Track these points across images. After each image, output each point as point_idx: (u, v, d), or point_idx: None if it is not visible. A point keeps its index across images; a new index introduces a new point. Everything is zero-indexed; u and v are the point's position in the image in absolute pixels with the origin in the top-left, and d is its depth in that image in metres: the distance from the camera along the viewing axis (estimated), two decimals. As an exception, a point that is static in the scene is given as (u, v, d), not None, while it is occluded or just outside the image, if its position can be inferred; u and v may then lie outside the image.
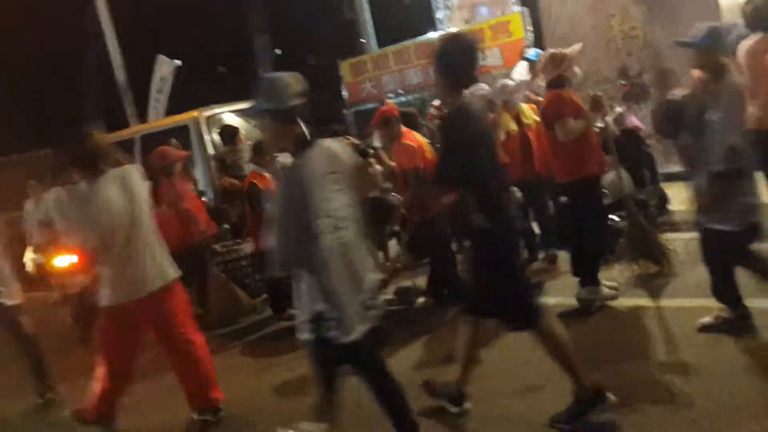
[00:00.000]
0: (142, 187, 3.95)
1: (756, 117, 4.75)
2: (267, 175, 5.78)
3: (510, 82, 6.22)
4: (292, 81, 3.00)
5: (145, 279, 3.83)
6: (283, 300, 5.81)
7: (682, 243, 5.19)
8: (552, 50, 4.86)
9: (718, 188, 3.68)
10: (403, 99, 11.25)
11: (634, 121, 6.58)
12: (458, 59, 3.30)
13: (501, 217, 3.30)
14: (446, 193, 3.50)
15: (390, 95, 11.13)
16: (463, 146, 3.24)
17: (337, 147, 3.14)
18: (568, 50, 4.93)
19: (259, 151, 5.90)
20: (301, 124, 2.97)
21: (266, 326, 5.90)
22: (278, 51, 19.00)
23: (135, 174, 3.97)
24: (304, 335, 2.98)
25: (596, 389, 3.27)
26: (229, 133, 7.95)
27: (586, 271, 4.78)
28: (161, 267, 3.93)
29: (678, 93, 4.10)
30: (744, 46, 4.83)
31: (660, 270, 5.05)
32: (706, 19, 6.07)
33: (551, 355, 3.32)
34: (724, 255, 3.81)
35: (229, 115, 8.47)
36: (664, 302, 4.57)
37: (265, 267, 5.75)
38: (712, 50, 3.78)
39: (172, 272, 4.00)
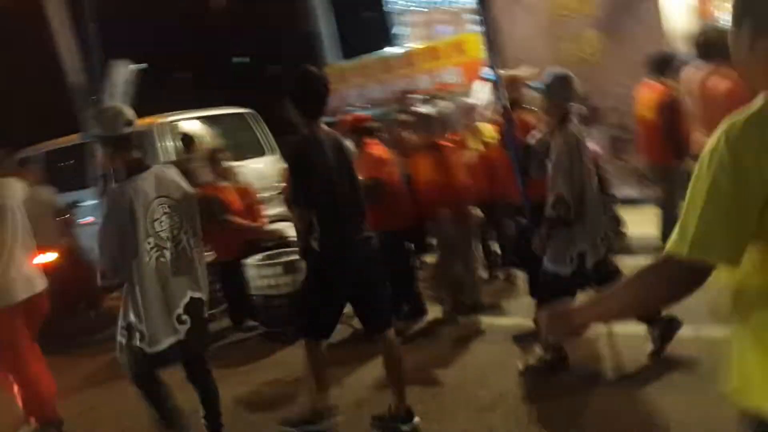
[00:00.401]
0: (17, 198, 4.13)
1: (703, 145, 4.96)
2: (223, 184, 5.84)
3: (471, 102, 6.40)
4: (124, 110, 3.38)
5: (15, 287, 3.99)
6: (243, 311, 5.87)
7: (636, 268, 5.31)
8: (503, 72, 5.04)
9: (547, 232, 3.91)
10: (366, 113, 11.41)
11: (591, 145, 6.81)
12: (307, 93, 3.53)
13: (332, 243, 3.48)
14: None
15: (349, 108, 11.28)
16: (304, 173, 3.46)
17: (171, 174, 3.51)
18: (519, 72, 5.15)
19: (212, 160, 5.92)
20: (134, 151, 3.36)
21: (224, 337, 5.90)
22: (240, 59, 19.00)
23: (11, 185, 4.16)
24: (117, 339, 3.37)
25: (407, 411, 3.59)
26: (185, 141, 7.89)
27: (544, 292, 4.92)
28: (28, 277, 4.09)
29: (536, 135, 4.30)
30: (694, 76, 4.98)
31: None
32: (654, 45, 6.49)
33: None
34: (553, 296, 3.77)
35: (190, 122, 8.43)
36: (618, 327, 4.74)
37: (224, 278, 5.84)
38: (557, 97, 3.97)
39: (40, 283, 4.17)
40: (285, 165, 6.89)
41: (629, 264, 5.44)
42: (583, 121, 7.48)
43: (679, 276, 1.45)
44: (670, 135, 5.58)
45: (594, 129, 7.47)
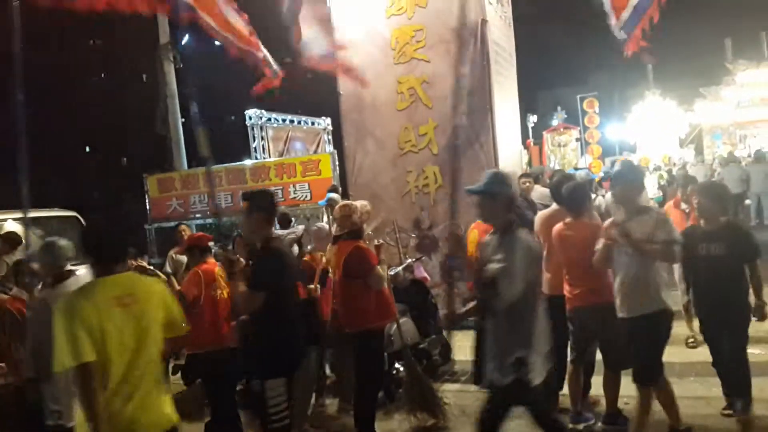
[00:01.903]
0: None
1: (547, 282, 5.27)
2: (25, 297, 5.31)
3: (323, 227, 6.43)
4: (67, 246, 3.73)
5: None
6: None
7: (460, 394, 5.49)
8: (344, 202, 5.16)
9: None
10: (210, 221, 11.18)
11: (421, 271, 7.07)
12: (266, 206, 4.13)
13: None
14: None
15: (197, 215, 11.03)
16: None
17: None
18: (357, 203, 5.30)
19: (20, 272, 5.38)
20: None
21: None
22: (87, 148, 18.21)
23: None
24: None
25: None
26: (8, 240, 7.26)
27: (365, 422, 4.87)
28: None
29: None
30: (542, 217, 5.49)
31: (435, 423, 5.25)
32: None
33: None
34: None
35: (11, 223, 7.78)
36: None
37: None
38: (497, 194, 3.82)
39: None
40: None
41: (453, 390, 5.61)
42: (424, 249, 7.88)
43: None
44: None
45: (432, 256, 7.82)
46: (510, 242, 3.65)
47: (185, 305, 4.88)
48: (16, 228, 7.74)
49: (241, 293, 3.99)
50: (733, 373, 4.59)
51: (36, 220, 8.03)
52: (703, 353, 5.79)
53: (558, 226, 5.03)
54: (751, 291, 4.58)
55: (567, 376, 5.06)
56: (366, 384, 4.96)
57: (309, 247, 6.44)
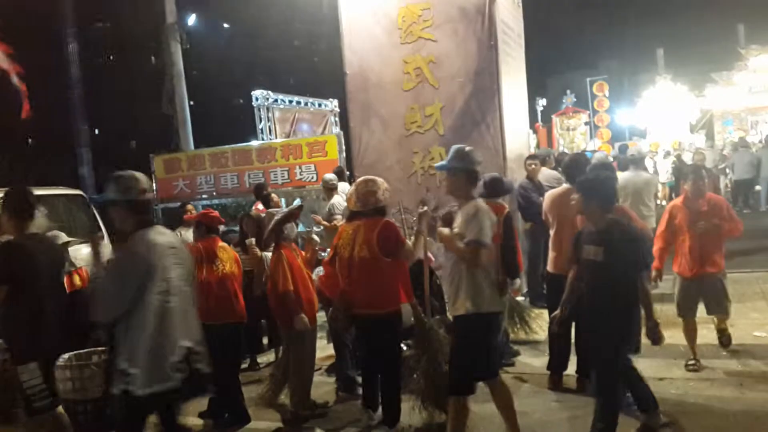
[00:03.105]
0: None
1: (553, 261, 5.34)
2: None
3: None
4: (142, 178, 3.64)
5: None
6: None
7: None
8: (367, 177, 5.07)
9: None
10: (216, 202, 11.19)
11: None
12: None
13: None
14: None
15: (204, 196, 11.04)
16: None
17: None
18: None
19: None
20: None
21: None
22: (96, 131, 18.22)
23: None
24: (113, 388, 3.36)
25: None
26: None
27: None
28: None
29: None
30: (552, 195, 5.52)
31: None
32: (493, 167, 6.92)
33: None
34: None
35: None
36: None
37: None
38: (459, 170, 4.15)
39: None
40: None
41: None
42: (430, 231, 7.85)
43: None
44: (507, 251, 5.90)
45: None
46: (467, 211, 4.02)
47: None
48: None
49: None
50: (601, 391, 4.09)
51: (41, 198, 8.03)
52: (708, 336, 5.79)
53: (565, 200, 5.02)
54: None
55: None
56: (396, 366, 4.82)
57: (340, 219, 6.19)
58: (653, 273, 5.47)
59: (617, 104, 30.33)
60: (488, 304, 4.05)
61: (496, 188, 6.04)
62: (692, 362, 5.44)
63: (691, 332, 5.52)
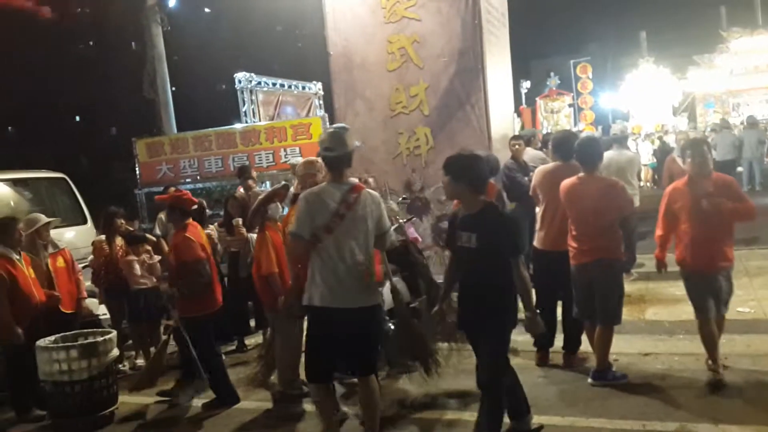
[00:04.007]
0: None
1: (541, 238, 5.35)
2: (15, 257, 5.26)
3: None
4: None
5: None
6: (30, 399, 5.23)
7: (453, 353, 5.50)
8: (308, 159, 5.09)
9: None
10: (200, 185, 11.10)
11: (413, 233, 7.05)
12: None
13: None
14: None
15: (188, 180, 10.94)
16: None
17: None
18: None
19: (4, 230, 5.31)
20: None
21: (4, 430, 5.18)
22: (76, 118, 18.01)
23: None
24: None
25: None
26: None
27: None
28: None
29: None
30: (543, 171, 5.50)
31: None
32: (478, 147, 6.91)
33: None
34: None
35: (-1, 184, 7.69)
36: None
37: (9, 361, 5.20)
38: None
39: None
40: (99, 236, 6.48)
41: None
42: (415, 211, 7.85)
43: None
44: None
45: (423, 218, 7.81)
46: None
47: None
48: (5, 189, 7.67)
49: None
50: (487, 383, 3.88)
51: (24, 182, 7.95)
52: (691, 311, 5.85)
53: (570, 181, 5.00)
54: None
55: (594, 336, 4.96)
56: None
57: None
58: (655, 262, 5.04)
59: (600, 88, 30.40)
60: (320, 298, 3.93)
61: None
62: (714, 370, 4.68)
63: (708, 336, 4.72)
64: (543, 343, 5.42)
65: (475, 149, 6.17)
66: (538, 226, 5.51)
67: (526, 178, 7.57)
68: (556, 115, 20.31)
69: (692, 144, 4.99)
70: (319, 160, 4.76)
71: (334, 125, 4.32)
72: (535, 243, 5.52)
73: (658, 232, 4.98)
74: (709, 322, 4.69)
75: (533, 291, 4.02)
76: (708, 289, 4.69)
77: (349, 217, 3.95)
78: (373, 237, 4.04)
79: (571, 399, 4.67)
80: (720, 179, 4.77)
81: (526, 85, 24.24)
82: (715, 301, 4.69)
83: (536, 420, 4.24)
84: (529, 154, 8.34)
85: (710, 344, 4.70)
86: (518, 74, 9.63)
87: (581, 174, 4.97)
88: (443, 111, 7.83)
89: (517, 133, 9.48)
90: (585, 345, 5.30)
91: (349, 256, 3.91)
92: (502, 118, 8.45)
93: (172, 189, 8.17)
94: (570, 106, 21.49)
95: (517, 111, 16.46)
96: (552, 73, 23.60)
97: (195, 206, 5.46)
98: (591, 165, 4.93)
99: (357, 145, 4.35)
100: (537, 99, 21.90)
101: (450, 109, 7.83)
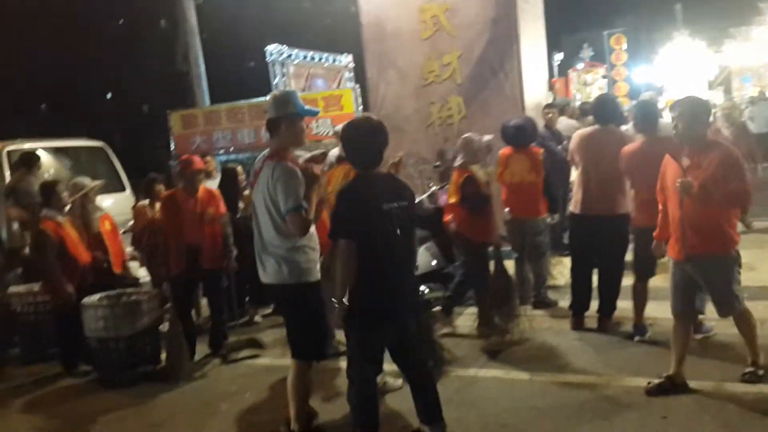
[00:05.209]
0: None
1: (577, 202, 5.32)
2: (61, 219, 5.42)
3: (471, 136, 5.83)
4: None
5: None
6: (77, 354, 5.42)
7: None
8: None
9: None
10: (233, 157, 11.22)
11: (445, 200, 7.07)
12: None
13: None
14: None
15: (221, 151, 11.07)
16: None
17: None
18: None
19: (50, 192, 5.49)
20: None
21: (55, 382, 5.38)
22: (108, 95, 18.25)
23: None
24: None
25: None
26: (24, 159, 7.37)
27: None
28: None
29: None
30: (582, 135, 5.43)
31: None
32: (511, 114, 6.89)
33: None
34: None
35: (39, 152, 7.86)
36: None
37: (57, 318, 5.39)
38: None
39: None
40: (141, 202, 6.62)
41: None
42: (448, 179, 7.86)
43: None
44: (548, 190, 6.26)
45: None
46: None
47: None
48: (46, 157, 7.86)
49: None
50: None
51: (64, 150, 8.14)
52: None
53: (637, 146, 4.91)
54: None
55: (635, 291, 4.99)
56: None
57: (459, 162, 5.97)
58: (653, 243, 4.37)
59: (634, 62, 29.77)
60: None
61: (521, 137, 6.03)
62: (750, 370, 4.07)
63: (750, 327, 4.05)
64: (578, 308, 5.45)
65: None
66: (574, 189, 5.49)
67: (560, 147, 7.53)
68: (590, 87, 19.97)
69: (676, 103, 4.13)
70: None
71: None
72: (571, 207, 5.52)
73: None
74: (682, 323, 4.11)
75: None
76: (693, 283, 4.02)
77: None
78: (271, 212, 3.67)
79: (605, 358, 4.71)
80: (715, 149, 3.91)
81: (558, 57, 23.88)
82: (712, 297, 4.05)
83: (574, 379, 4.29)
84: (563, 123, 8.28)
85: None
86: (550, 46, 9.49)
87: (642, 138, 4.93)
88: (476, 79, 7.81)
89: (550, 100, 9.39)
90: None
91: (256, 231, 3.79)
92: (536, 87, 8.39)
93: (208, 157, 8.31)
94: (603, 77, 21.10)
95: (550, 83, 16.26)
96: (585, 44, 23.17)
97: (199, 172, 5.50)
98: (653, 127, 4.94)
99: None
100: (569, 71, 21.57)
101: (483, 77, 7.80)
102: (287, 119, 3.76)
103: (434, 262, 6.32)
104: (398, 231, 3.29)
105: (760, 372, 4.03)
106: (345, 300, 3.29)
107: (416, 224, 3.41)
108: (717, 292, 4.01)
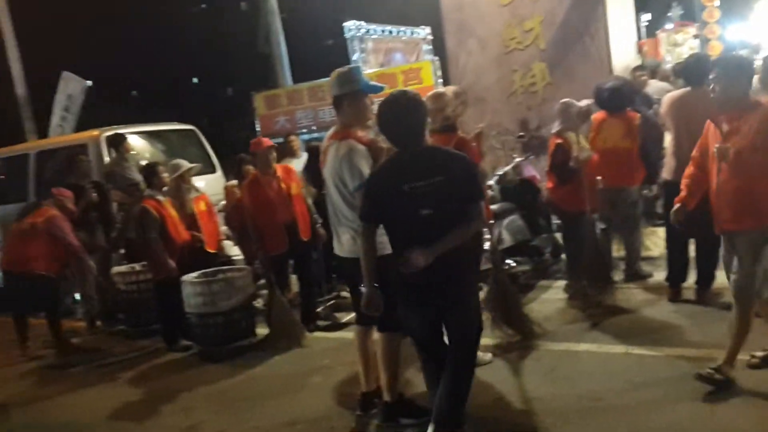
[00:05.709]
0: None
1: (671, 168, 5.04)
2: (162, 199, 5.69)
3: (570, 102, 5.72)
4: None
5: None
6: (177, 330, 5.70)
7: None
8: (436, 91, 4.84)
9: None
10: (316, 135, 11.39)
11: (531, 171, 6.93)
12: None
13: None
14: None
15: (304, 130, 11.26)
16: None
17: None
18: (450, 89, 4.96)
19: (152, 173, 5.79)
20: None
21: (158, 357, 5.69)
22: (195, 79, 18.84)
23: None
24: None
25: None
26: (111, 141, 7.73)
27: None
28: None
29: None
30: (672, 98, 5.12)
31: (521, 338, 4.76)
32: (599, 79, 6.62)
33: None
34: None
35: (132, 137, 8.22)
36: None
37: (159, 295, 5.68)
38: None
39: None
40: (230, 181, 6.83)
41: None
42: (532, 150, 7.68)
43: None
44: (646, 158, 5.90)
45: (541, 156, 7.63)
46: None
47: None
48: (140, 141, 8.21)
49: None
50: None
51: (157, 134, 8.48)
52: None
53: (677, 96, 4.82)
54: None
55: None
56: None
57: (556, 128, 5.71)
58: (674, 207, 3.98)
59: (727, 19, 27.93)
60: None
61: (617, 100, 5.74)
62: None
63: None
64: (675, 279, 5.24)
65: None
66: (668, 155, 5.25)
67: (650, 111, 7.19)
68: (680, 48, 18.89)
69: (715, 62, 3.84)
70: (447, 92, 4.74)
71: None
72: (664, 174, 5.28)
73: (689, 170, 3.99)
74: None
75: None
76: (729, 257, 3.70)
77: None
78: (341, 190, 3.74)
79: (701, 330, 4.51)
80: (756, 113, 3.45)
81: (645, 17, 22.72)
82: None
83: (671, 352, 4.16)
84: (654, 86, 7.91)
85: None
86: (636, 7, 9.00)
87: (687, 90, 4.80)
88: (560, 44, 7.57)
89: (639, 63, 8.98)
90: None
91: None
92: (624, 50, 8.03)
93: (292, 137, 8.45)
94: (695, 37, 19.90)
95: (638, 46, 15.52)
96: (674, 3, 21.92)
97: (270, 150, 5.61)
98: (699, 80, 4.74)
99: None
100: (658, 32, 20.48)
101: (567, 41, 7.55)
102: (350, 96, 3.72)
103: (519, 236, 6.21)
104: (423, 210, 3.06)
105: None
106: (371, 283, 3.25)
107: (468, 197, 3.08)
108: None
